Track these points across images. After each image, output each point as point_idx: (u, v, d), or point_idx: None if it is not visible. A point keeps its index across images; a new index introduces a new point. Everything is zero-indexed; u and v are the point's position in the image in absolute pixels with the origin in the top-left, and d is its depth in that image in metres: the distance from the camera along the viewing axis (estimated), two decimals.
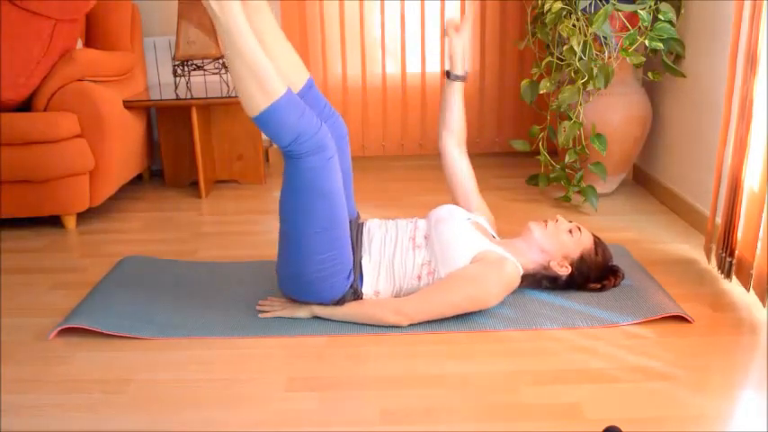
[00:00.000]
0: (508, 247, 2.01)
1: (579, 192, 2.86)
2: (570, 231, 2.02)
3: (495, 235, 2.17)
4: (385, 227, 2.04)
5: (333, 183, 1.81)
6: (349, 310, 1.93)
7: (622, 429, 1.37)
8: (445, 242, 1.93)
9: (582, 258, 2.02)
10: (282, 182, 1.84)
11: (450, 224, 1.97)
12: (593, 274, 2.05)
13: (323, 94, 3.63)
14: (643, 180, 3.21)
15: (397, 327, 1.90)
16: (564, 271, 2.01)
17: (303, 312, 1.97)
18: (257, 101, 1.74)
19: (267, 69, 1.72)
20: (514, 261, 1.95)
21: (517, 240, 2.05)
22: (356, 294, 1.94)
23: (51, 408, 1.60)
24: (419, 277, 1.95)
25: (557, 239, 2.00)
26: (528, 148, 3.07)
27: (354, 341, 1.86)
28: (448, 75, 2.22)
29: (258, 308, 2.02)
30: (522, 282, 1.99)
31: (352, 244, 1.97)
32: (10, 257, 2.57)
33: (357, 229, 2.03)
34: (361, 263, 1.95)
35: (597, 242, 2.06)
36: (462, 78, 2.21)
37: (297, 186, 1.80)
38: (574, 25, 2.66)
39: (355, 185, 3.32)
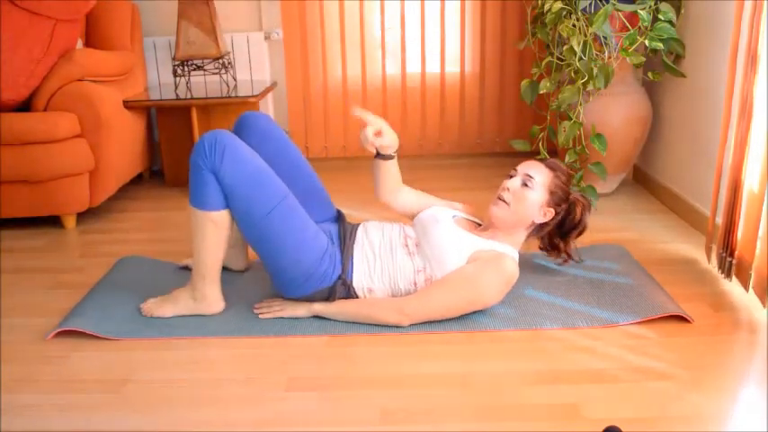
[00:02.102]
0: (496, 237, 1.99)
1: (579, 192, 2.86)
2: (525, 185, 1.96)
3: (479, 222, 2.15)
4: (382, 230, 2.03)
5: (250, 160, 1.88)
6: (350, 310, 1.93)
7: (622, 429, 1.37)
8: (437, 248, 1.93)
9: (552, 193, 1.97)
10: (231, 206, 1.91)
11: (438, 228, 1.96)
12: (569, 191, 2.02)
13: (321, 97, 3.63)
14: (643, 180, 3.21)
15: (397, 327, 1.90)
16: (549, 216, 1.98)
17: (302, 311, 1.97)
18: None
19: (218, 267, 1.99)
20: (510, 254, 1.95)
21: (497, 228, 2.00)
22: (346, 286, 1.94)
23: (51, 408, 1.60)
24: (414, 283, 1.94)
25: (523, 205, 1.95)
26: (528, 148, 3.07)
27: (355, 341, 1.86)
28: (378, 155, 2.07)
29: (256, 310, 2.02)
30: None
31: (340, 238, 1.99)
32: (10, 257, 2.57)
33: (347, 225, 2.06)
34: (352, 257, 1.95)
35: (550, 166, 2.00)
36: (393, 156, 2.10)
37: (231, 191, 1.87)
38: (574, 25, 2.66)
39: (356, 185, 3.34)
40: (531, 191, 1.95)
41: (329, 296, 1.95)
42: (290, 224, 1.89)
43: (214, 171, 1.85)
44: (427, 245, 1.94)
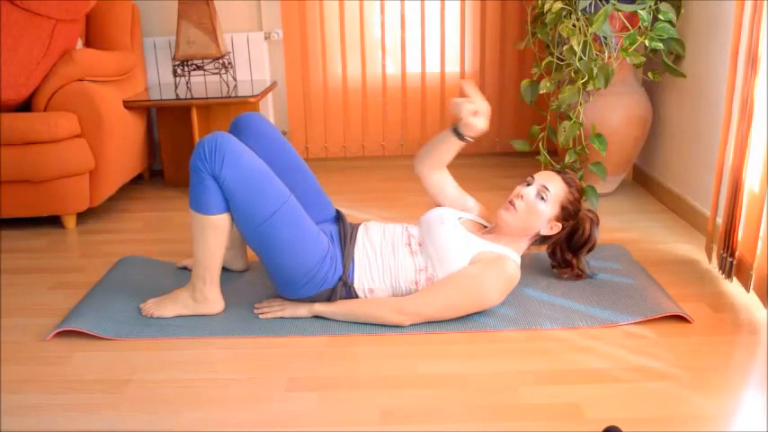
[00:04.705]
0: (500, 241, 1.99)
1: None
2: (539, 195, 1.96)
3: (486, 224, 2.15)
4: (383, 230, 2.04)
5: (251, 164, 1.87)
6: (350, 309, 1.93)
7: (622, 429, 1.37)
8: (440, 248, 1.93)
9: (564, 208, 1.98)
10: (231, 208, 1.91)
11: (443, 229, 1.95)
12: (580, 208, 2.03)
13: (321, 97, 3.63)
14: (643, 180, 3.21)
15: (398, 326, 1.90)
16: (556, 230, 1.98)
17: (303, 311, 1.97)
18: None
19: (217, 266, 1.98)
20: (513, 257, 1.95)
21: (502, 232, 2.01)
22: (347, 287, 1.94)
23: (51, 408, 1.60)
24: (416, 282, 1.95)
25: (533, 214, 1.95)
26: (528, 148, 3.07)
27: (355, 341, 1.86)
28: (457, 133, 2.03)
29: (256, 310, 2.02)
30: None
31: (341, 238, 1.99)
32: (10, 257, 2.57)
33: (347, 225, 2.05)
34: (353, 257, 1.95)
35: (565, 180, 2.00)
36: (469, 140, 2.07)
37: (233, 195, 1.86)
38: (574, 25, 2.66)
39: (356, 185, 3.33)
40: (544, 203, 1.95)
41: (330, 297, 1.95)
42: (292, 227, 1.88)
43: (214, 175, 1.85)
44: (431, 244, 1.94)
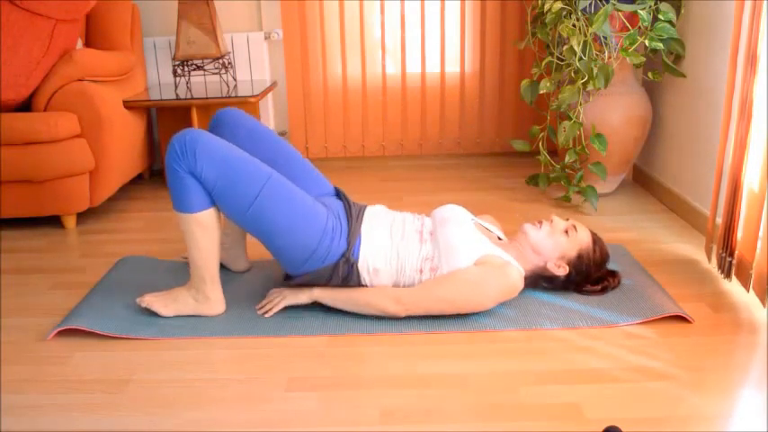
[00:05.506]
0: (508, 250, 2.01)
1: (579, 192, 2.86)
2: (566, 231, 2.01)
3: (501, 236, 2.17)
4: (392, 215, 2.04)
5: (225, 151, 1.86)
6: (350, 296, 1.93)
7: (622, 429, 1.37)
8: (449, 242, 1.93)
9: (579, 257, 2.01)
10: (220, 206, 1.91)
11: (455, 225, 1.97)
12: (592, 273, 2.04)
13: (321, 97, 3.63)
14: (643, 180, 3.21)
15: (394, 318, 1.91)
16: (561, 271, 2.00)
17: (304, 297, 1.97)
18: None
19: (216, 265, 1.97)
20: (517, 265, 1.96)
21: (513, 242, 2.05)
22: (348, 264, 1.93)
23: (51, 408, 1.60)
24: (420, 270, 1.95)
25: (552, 240, 2.00)
26: (528, 148, 3.07)
27: (354, 341, 1.86)
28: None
29: (259, 311, 2.02)
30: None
31: (347, 213, 1.99)
32: (10, 257, 2.57)
33: (352, 203, 2.05)
34: (360, 235, 1.95)
35: (595, 239, 2.05)
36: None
37: (214, 186, 1.86)
38: (574, 25, 2.66)
39: (355, 185, 3.34)
40: (566, 237, 2.00)
41: (332, 275, 1.94)
42: (281, 204, 1.87)
43: (191, 171, 1.84)
44: (442, 236, 1.95)
